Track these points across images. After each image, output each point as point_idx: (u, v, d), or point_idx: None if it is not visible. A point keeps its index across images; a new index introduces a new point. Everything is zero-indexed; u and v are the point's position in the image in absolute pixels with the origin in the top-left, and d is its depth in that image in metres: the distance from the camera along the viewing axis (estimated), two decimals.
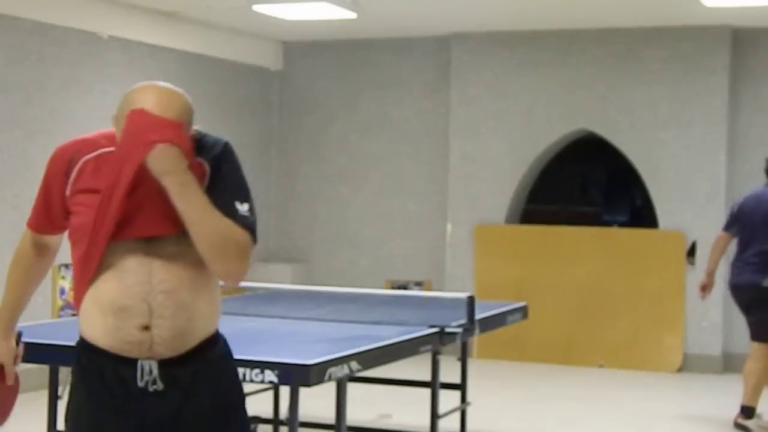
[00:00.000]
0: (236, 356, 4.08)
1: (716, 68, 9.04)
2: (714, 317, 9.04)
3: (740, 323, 9.15)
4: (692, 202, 9.10)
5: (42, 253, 3.16)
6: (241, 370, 4.04)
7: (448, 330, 5.13)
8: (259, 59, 10.26)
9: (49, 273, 8.29)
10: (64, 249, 8.77)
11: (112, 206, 2.70)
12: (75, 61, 8.08)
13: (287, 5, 8.08)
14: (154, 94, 2.75)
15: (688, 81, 9.12)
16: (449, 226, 9.78)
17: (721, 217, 9.03)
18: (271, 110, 10.52)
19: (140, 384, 2.76)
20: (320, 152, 10.40)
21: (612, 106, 9.35)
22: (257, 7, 8.11)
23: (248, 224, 2.82)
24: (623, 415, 7.43)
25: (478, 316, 5.35)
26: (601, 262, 9.31)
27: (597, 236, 9.64)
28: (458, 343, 5.46)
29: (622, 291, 9.22)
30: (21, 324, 4.99)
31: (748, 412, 6.87)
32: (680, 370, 9.03)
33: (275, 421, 6.13)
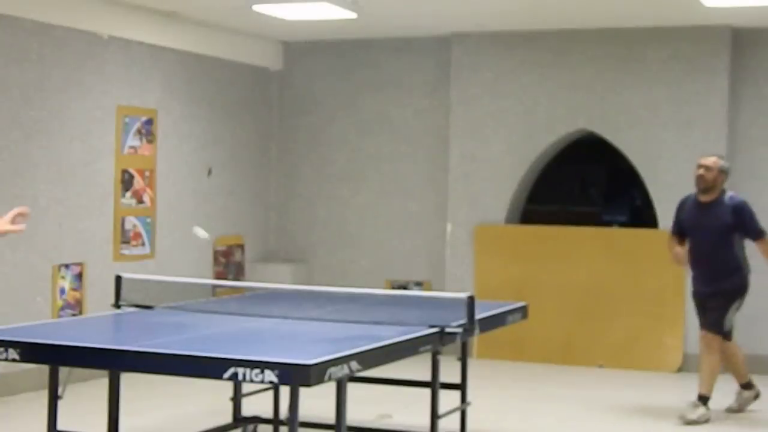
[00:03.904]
0: (236, 356, 4.11)
1: (716, 68, 9.04)
2: None
3: (740, 323, 9.16)
4: None
5: None
6: (240, 370, 4.05)
7: (448, 330, 5.13)
8: (259, 59, 10.26)
9: (49, 273, 8.35)
10: (64, 248, 8.74)
11: None
12: (75, 61, 8.08)
13: (287, 5, 8.08)
14: None
15: (688, 81, 9.12)
16: (449, 226, 9.78)
17: None
18: (271, 110, 10.52)
19: None
20: (320, 152, 10.40)
21: (612, 106, 9.35)
22: (257, 7, 8.11)
23: None
24: (623, 415, 7.43)
25: (478, 316, 5.35)
26: (601, 262, 9.31)
27: (597, 236, 9.64)
28: (458, 343, 5.46)
29: (622, 291, 9.21)
30: (21, 324, 5.01)
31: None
32: (680, 370, 9.03)
33: (275, 421, 6.13)
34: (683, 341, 9.06)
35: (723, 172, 7.19)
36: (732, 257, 7.17)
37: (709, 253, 7.18)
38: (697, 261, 7.29)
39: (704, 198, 7.23)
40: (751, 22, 8.88)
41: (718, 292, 7.18)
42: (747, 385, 7.47)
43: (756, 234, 7.16)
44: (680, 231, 7.42)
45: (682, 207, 7.48)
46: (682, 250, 7.37)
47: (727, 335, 7.29)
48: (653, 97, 9.22)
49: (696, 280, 7.36)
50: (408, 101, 10.12)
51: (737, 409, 7.43)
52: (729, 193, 7.24)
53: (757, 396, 7.52)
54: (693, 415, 7.11)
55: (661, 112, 9.21)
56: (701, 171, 7.18)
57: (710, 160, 7.19)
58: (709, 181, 7.15)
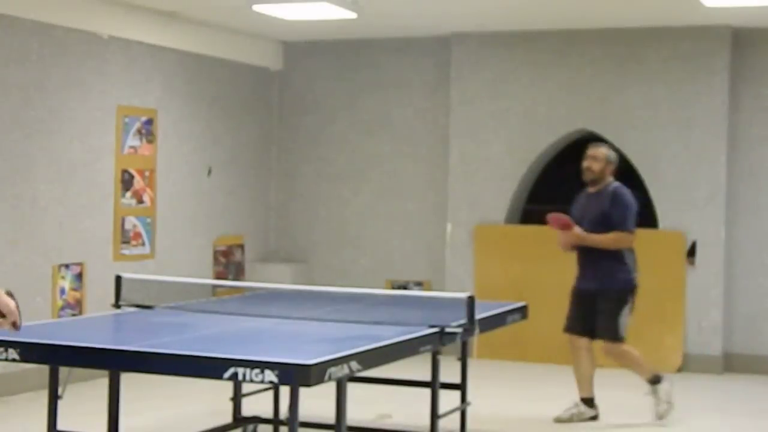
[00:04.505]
0: (236, 356, 4.11)
1: (716, 68, 9.04)
2: (714, 317, 9.04)
3: (741, 323, 9.19)
4: (692, 202, 9.10)
5: None
6: (240, 370, 4.05)
7: (448, 330, 5.13)
8: (259, 59, 10.25)
9: (49, 273, 8.35)
10: (64, 249, 8.74)
11: None
12: (75, 61, 8.08)
13: (287, 5, 8.08)
14: None
15: (688, 81, 9.12)
16: (449, 226, 9.78)
17: (721, 217, 9.04)
18: (271, 110, 10.52)
19: None
20: (320, 152, 10.40)
21: (612, 106, 9.35)
22: (257, 7, 8.11)
23: None
24: (624, 415, 7.42)
25: (478, 316, 5.35)
26: None
27: None
28: (458, 343, 5.46)
29: None
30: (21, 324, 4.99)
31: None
32: (680, 370, 9.03)
33: (275, 421, 6.13)
34: (683, 341, 9.07)
35: (610, 163, 7.02)
36: (614, 252, 6.91)
37: (589, 247, 6.93)
38: (579, 254, 7.08)
39: (591, 189, 7.07)
40: (751, 22, 8.88)
41: (604, 293, 6.91)
42: (656, 379, 7.14)
43: (618, 222, 6.87)
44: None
45: (576, 199, 7.26)
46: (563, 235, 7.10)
47: (622, 339, 7.05)
48: (653, 97, 9.22)
49: (579, 275, 7.13)
50: (408, 101, 10.12)
51: (664, 412, 7.11)
52: (614, 184, 7.03)
53: (657, 381, 7.13)
54: (566, 414, 7.00)
55: (661, 112, 9.21)
56: (587, 162, 7.02)
57: (597, 151, 7.04)
58: (596, 172, 6.99)
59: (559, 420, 7.07)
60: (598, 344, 7.10)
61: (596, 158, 7.03)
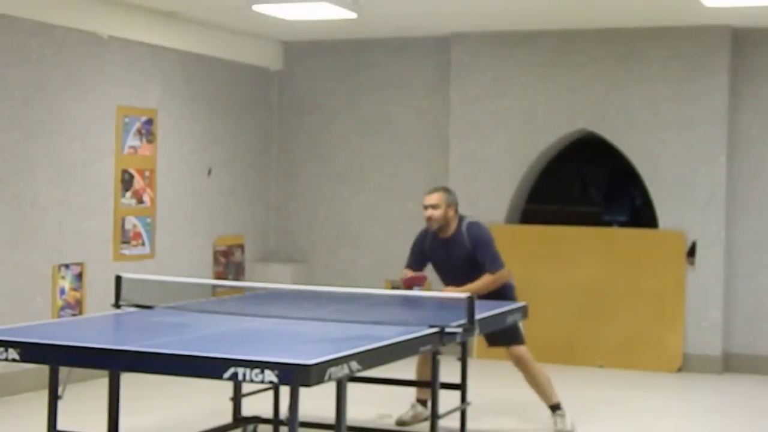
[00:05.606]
0: (236, 356, 4.11)
1: (716, 68, 9.03)
2: (714, 317, 9.04)
3: (740, 323, 9.19)
4: (692, 202, 9.10)
5: None
6: (240, 370, 4.05)
7: (448, 330, 5.13)
8: (259, 59, 10.26)
9: (49, 273, 8.35)
10: (64, 249, 8.71)
11: None
12: (75, 61, 8.08)
13: (287, 5, 8.07)
14: None
15: (688, 81, 9.12)
16: None
17: (721, 217, 9.05)
18: (271, 110, 10.52)
19: None
20: (320, 152, 10.40)
21: (612, 106, 9.35)
22: (257, 7, 8.10)
23: None
24: (623, 415, 7.42)
25: (478, 316, 5.35)
26: (601, 262, 9.31)
27: (597, 236, 9.63)
28: (458, 343, 5.46)
29: (622, 291, 9.21)
30: (21, 324, 5.01)
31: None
32: (680, 370, 9.03)
33: (275, 421, 6.13)
34: (683, 341, 9.07)
35: (450, 205, 6.61)
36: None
37: (462, 277, 6.57)
38: (456, 284, 6.60)
39: (442, 235, 6.68)
40: (751, 22, 8.88)
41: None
42: (555, 406, 6.85)
43: (490, 263, 6.57)
44: (422, 262, 6.88)
45: (423, 239, 6.88)
46: (408, 272, 6.85)
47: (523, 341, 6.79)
48: (653, 96, 9.22)
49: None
50: (408, 101, 10.12)
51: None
52: (466, 221, 6.70)
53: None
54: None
55: (661, 112, 9.21)
56: (428, 212, 6.58)
57: (434, 197, 6.59)
58: (440, 219, 6.58)
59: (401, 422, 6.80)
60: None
61: (435, 206, 6.58)
